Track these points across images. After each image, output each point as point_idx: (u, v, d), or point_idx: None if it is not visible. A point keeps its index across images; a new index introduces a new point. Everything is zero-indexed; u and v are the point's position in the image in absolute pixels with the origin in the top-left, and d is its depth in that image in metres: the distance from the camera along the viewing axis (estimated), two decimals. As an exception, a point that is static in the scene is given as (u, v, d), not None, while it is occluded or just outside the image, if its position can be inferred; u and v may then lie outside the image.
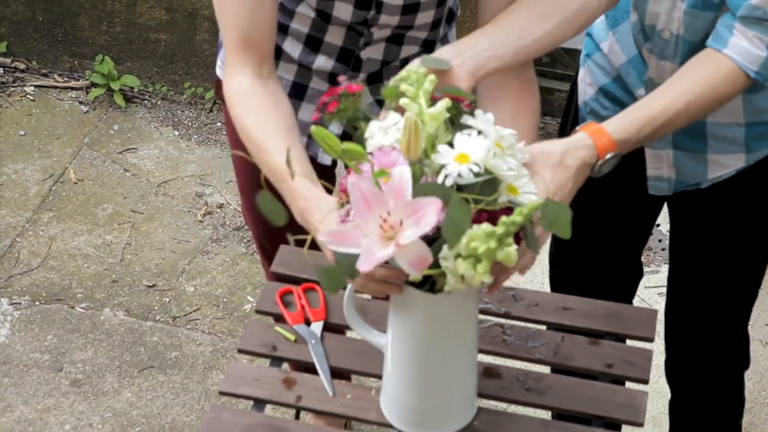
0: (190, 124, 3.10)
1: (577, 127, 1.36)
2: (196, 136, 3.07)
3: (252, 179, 1.72)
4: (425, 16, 1.54)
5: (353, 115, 1.24)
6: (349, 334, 1.56)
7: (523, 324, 1.52)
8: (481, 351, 1.43)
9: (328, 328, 1.52)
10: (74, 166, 2.95)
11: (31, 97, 3.16)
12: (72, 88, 3.19)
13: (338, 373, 1.46)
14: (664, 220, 2.58)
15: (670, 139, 1.57)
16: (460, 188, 1.13)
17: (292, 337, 1.50)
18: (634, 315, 1.53)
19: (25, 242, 2.72)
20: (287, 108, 1.43)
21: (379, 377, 1.40)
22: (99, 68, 3.12)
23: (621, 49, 1.57)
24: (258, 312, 1.57)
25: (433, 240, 1.12)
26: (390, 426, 1.37)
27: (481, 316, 1.51)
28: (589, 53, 1.66)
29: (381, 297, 1.29)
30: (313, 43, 1.59)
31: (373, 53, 1.60)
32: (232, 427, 1.39)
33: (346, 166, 1.19)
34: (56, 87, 3.20)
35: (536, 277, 2.57)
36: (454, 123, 1.21)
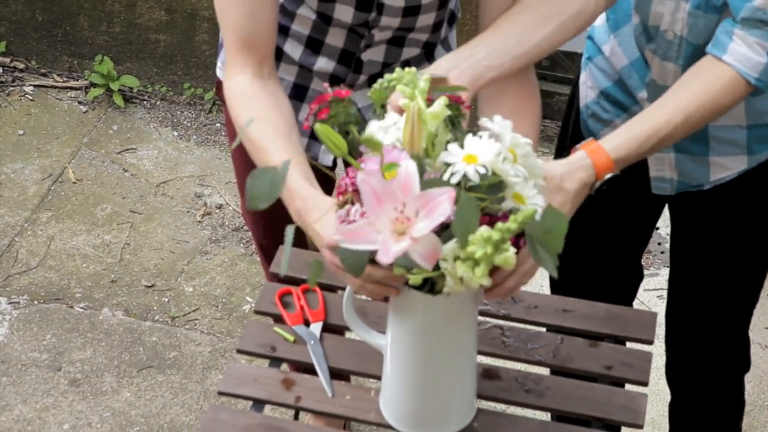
0: (189, 124, 3.10)
1: (577, 146, 1.35)
2: (195, 137, 3.07)
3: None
4: (426, 19, 1.54)
5: (345, 120, 1.24)
6: (348, 335, 1.56)
7: (522, 326, 1.52)
8: (480, 352, 1.43)
9: (327, 328, 1.52)
10: (73, 165, 2.95)
11: (30, 97, 3.16)
12: (71, 88, 3.19)
13: (337, 374, 1.46)
14: (663, 224, 2.58)
15: None
16: (466, 189, 1.14)
17: (291, 338, 1.50)
18: (634, 317, 1.53)
19: (23, 242, 2.72)
20: (287, 109, 1.43)
21: (379, 378, 1.40)
22: (98, 68, 3.12)
23: (623, 52, 1.57)
24: (257, 312, 1.57)
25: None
26: (389, 427, 1.37)
27: (481, 318, 1.51)
28: (591, 56, 1.66)
29: (379, 299, 1.29)
30: (314, 45, 1.59)
31: (374, 55, 1.60)
32: (231, 428, 1.38)
33: (346, 166, 1.19)
34: (55, 87, 3.20)
35: (536, 279, 2.57)
36: (454, 124, 1.21)
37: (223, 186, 2.91)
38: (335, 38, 1.57)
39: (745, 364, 1.85)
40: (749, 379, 1.93)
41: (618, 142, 1.33)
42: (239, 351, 1.50)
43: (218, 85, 1.72)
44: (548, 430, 1.38)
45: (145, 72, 3.18)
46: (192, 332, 2.52)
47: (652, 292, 2.55)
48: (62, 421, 2.31)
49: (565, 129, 1.77)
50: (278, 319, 1.54)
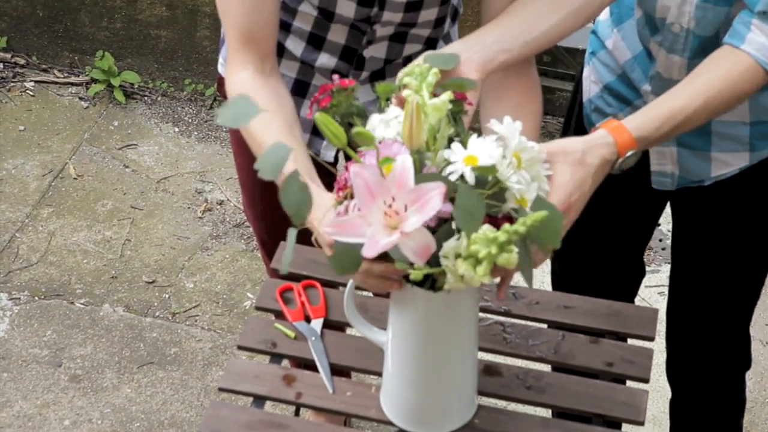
0: (190, 120, 3.10)
1: (598, 124, 1.35)
2: (196, 133, 3.06)
3: (254, 176, 1.71)
4: (428, 14, 1.54)
5: (347, 110, 1.24)
6: (349, 331, 1.55)
7: (523, 322, 1.52)
8: (481, 349, 1.43)
9: (328, 325, 1.52)
10: (74, 161, 2.94)
11: (31, 93, 3.16)
12: (72, 84, 3.18)
13: (338, 370, 1.46)
14: (664, 220, 2.58)
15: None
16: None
17: (292, 334, 1.50)
18: (635, 314, 1.53)
19: (24, 237, 2.72)
20: (289, 105, 1.43)
21: (379, 374, 1.39)
22: (99, 64, 3.12)
23: (626, 46, 1.57)
24: (258, 309, 1.56)
25: (432, 233, 1.12)
26: (390, 423, 1.37)
27: (482, 314, 1.51)
28: (594, 51, 1.66)
29: (382, 294, 1.29)
30: (316, 41, 1.59)
31: (376, 52, 1.60)
32: (232, 424, 1.38)
33: (347, 159, 1.19)
34: (56, 82, 3.19)
35: (537, 276, 2.57)
36: (456, 120, 1.21)
37: (224, 182, 2.90)
38: (337, 34, 1.57)
39: (745, 362, 1.85)
40: (750, 376, 1.93)
41: (638, 122, 1.32)
42: (240, 347, 1.50)
43: (220, 81, 1.71)
44: (549, 427, 1.38)
45: (146, 68, 3.17)
46: (193, 328, 2.52)
47: (654, 289, 2.55)
48: (63, 417, 2.31)
49: (567, 124, 1.77)
50: (279, 316, 1.54)
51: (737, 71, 1.33)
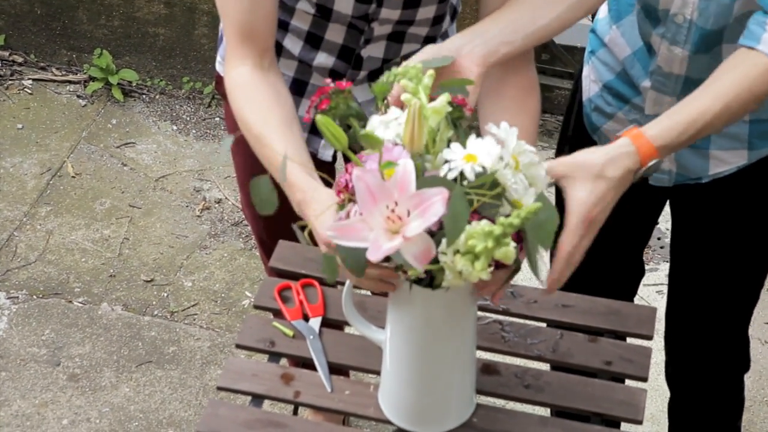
0: (188, 118, 3.10)
1: (618, 133, 1.34)
2: (194, 131, 3.06)
3: (252, 174, 1.71)
4: (426, 11, 1.54)
5: (345, 112, 1.23)
6: (347, 329, 1.55)
7: (522, 321, 1.52)
8: (479, 348, 1.43)
9: (326, 323, 1.52)
10: (72, 160, 2.94)
11: (29, 91, 3.16)
12: (70, 82, 3.18)
13: (337, 369, 1.46)
14: (663, 218, 2.58)
15: None
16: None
17: (290, 333, 1.50)
18: (634, 313, 1.52)
19: (22, 236, 2.72)
20: (288, 100, 1.43)
21: (378, 373, 1.39)
22: (97, 62, 3.12)
23: (625, 42, 1.57)
24: (256, 307, 1.56)
25: (431, 234, 1.12)
26: (388, 422, 1.37)
27: (480, 313, 1.50)
28: (593, 50, 1.66)
29: (380, 293, 1.29)
30: (314, 41, 1.59)
31: (373, 51, 1.59)
32: (230, 423, 1.38)
33: (346, 161, 1.19)
34: (54, 80, 3.19)
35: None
36: (456, 125, 1.21)
37: (223, 180, 2.90)
38: (335, 34, 1.57)
39: (744, 364, 1.84)
40: (749, 375, 1.93)
41: (659, 129, 1.31)
42: (238, 346, 1.50)
43: (218, 80, 1.71)
44: (547, 426, 1.38)
45: (144, 66, 3.17)
46: (191, 327, 2.51)
47: (652, 288, 2.55)
48: (61, 416, 2.31)
49: (566, 124, 1.77)
50: (277, 314, 1.54)
51: (755, 73, 1.32)
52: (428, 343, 1.29)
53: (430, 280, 1.20)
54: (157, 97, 3.15)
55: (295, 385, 1.43)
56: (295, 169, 1.30)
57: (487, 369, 1.44)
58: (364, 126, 1.22)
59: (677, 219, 1.74)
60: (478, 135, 1.19)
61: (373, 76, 1.61)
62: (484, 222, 1.08)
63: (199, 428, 1.39)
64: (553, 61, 3.03)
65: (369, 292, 1.59)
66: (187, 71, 3.16)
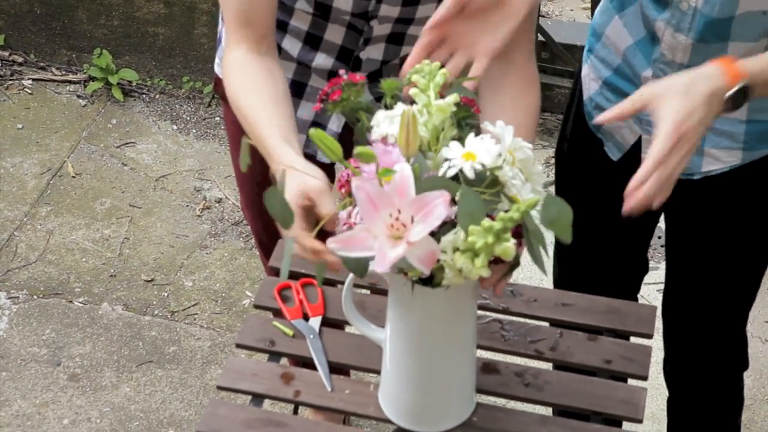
0: (188, 118, 3.10)
1: (707, 63, 1.32)
2: (194, 131, 3.06)
3: (251, 175, 1.71)
4: (426, 9, 1.54)
5: (355, 105, 1.24)
6: (347, 329, 1.55)
7: (521, 320, 1.52)
8: (479, 347, 1.43)
9: (326, 323, 1.52)
10: (72, 159, 2.94)
11: (29, 91, 3.16)
12: (70, 82, 3.18)
13: (337, 368, 1.46)
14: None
15: None
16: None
17: (290, 332, 1.50)
18: (634, 311, 1.52)
19: (23, 236, 2.72)
20: (281, 82, 1.43)
21: (378, 372, 1.39)
22: (97, 62, 3.12)
23: (628, 32, 1.56)
24: (256, 307, 1.56)
25: (432, 234, 1.12)
26: (388, 421, 1.37)
27: (480, 312, 1.50)
28: (591, 48, 1.66)
29: (380, 292, 1.29)
30: (313, 41, 1.59)
31: (372, 53, 1.59)
32: (231, 422, 1.38)
33: (346, 157, 1.19)
34: (54, 80, 3.19)
35: (536, 273, 2.57)
36: (461, 125, 1.21)
37: (223, 180, 2.90)
38: (334, 34, 1.57)
39: (742, 362, 1.84)
40: (749, 374, 1.93)
41: (746, 60, 1.29)
42: (238, 345, 1.50)
43: (216, 82, 1.71)
44: (547, 424, 1.38)
45: (143, 65, 3.17)
46: (191, 327, 2.51)
47: (652, 286, 2.54)
48: (62, 416, 2.31)
49: (566, 122, 1.76)
50: (277, 314, 1.54)
51: None
52: (428, 342, 1.29)
53: (430, 278, 1.20)
54: (157, 96, 3.15)
55: (295, 385, 1.43)
56: (273, 140, 1.31)
57: (487, 368, 1.44)
58: (371, 120, 1.22)
59: (669, 215, 1.74)
60: (477, 134, 1.19)
61: (373, 77, 1.61)
62: (485, 218, 1.08)
63: (199, 428, 1.39)
64: (554, 59, 3.03)
65: (369, 291, 1.59)
66: (186, 71, 3.16)
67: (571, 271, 1.87)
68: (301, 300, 1.53)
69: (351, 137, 1.28)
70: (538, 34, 2.90)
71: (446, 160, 1.15)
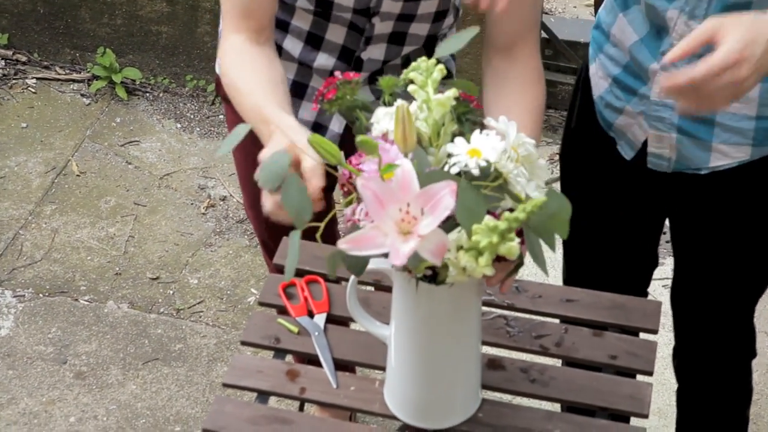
0: (192, 116, 3.10)
1: None
2: (198, 129, 3.06)
3: (253, 175, 1.71)
4: (428, 6, 1.53)
5: (351, 104, 1.24)
6: (352, 326, 1.55)
7: (527, 316, 1.52)
8: (485, 343, 1.43)
9: (331, 320, 1.52)
10: (76, 158, 2.95)
11: (33, 90, 3.16)
12: (74, 81, 3.19)
13: (342, 365, 1.46)
14: (667, 212, 2.57)
15: (674, 123, 1.57)
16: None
17: (295, 329, 1.50)
18: (639, 307, 1.52)
19: (28, 235, 2.72)
20: (279, 68, 1.43)
21: (383, 369, 1.39)
22: (100, 61, 3.12)
23: (633, 30, 1.56)
24: (261, 304, 1.56)
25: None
26: (394, 418, 1.37)
27: (485, 308, 1.50)
28: (599, 46, 1.65)
29: (384, 288, 1.29)
30: (314, 41, 1.59)
31: (373, 53, 1.59)
32: (236, 419, 1.38)
33: (347, 156, 1.19)
34: (58, 79, 3.19)
35: (539, 270, 2.56)
36: (461, 121, 1.21)
37: (227, 178, 2.90)
38: (335, 34, 1.57)
39: (750, 351, 1.85)
40: (756, 368, 1.93)
41: None
42: (243, 343, 1.50)
43: (218, 82, 1.71)
44: (553, 420, 1.38)
45: (147, 64, 3.17)
46: (197, 324, 2.52)
47: (657, 282, 2.54)
48: (68, 414, 2.32)
49: (570, 119, 1.76)
50: (282, 311, 1.54)
51: None
52: (433, 339, 1.29)
53: (434, 276, 1.20)
54: (161, 95, 3.16)
55: (300, 382, 1.43)
56: (268, 105, 1.31)
57: (492, 364, 1.44)
58: (369, 118, 1.22)
59: (675, 210, 1.74)
60: (479, 129, 1.19)
61: (374, 77, 1.61)
62: (488, 217, 1.08)
63: (205, 425, 1.39)
64: (557, 56, 3.03)
65: (373, 288, 1.59)
66: (190, 69, 3.16)
67: (581, 268, 1.87)
68: (306, 297, 1.53)
69: (353, 138, 1.28)
70: (542, 31, 2.90)
71: (450, 156, 1.15)
